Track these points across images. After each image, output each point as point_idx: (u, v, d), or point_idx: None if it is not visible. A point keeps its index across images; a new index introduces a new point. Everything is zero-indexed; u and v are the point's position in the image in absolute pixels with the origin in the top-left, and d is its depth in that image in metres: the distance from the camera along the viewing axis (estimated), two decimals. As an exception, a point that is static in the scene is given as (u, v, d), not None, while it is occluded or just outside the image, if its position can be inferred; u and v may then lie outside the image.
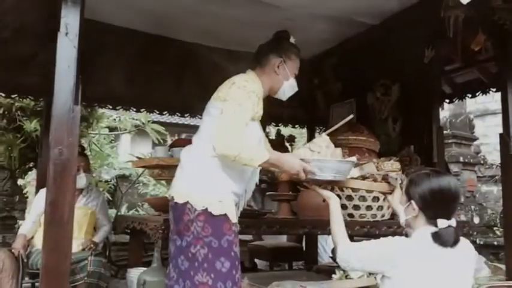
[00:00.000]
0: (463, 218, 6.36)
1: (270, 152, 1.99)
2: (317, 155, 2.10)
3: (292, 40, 2.26)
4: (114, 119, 8.04)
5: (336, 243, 1.92)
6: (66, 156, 1.66)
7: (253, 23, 3.66)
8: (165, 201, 2.65)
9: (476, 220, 6.72)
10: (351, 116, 2.40)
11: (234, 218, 1.99)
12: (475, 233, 6.39)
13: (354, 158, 2.39)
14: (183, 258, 1.95)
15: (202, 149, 2.00)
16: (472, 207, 6.90)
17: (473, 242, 6.38)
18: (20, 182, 5.88)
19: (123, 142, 12.12)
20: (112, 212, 7.34)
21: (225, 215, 1.95)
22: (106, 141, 7.90)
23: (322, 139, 2.21)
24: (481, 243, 6.23)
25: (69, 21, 1.72)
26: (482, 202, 7.10)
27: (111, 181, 8.15)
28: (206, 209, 1.92)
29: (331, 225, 1.97)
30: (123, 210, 7.89)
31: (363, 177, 2.62)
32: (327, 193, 2.05)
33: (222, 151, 1.89)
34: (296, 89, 2.27)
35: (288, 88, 2.23)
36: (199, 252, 1.91)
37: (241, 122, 1.94)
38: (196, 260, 1.91)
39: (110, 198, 8.40)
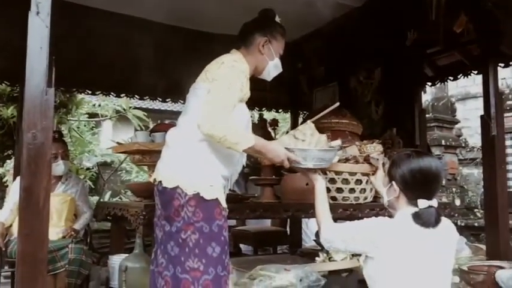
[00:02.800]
0: (444, 200, 6.45)
1: (256, 138, 1.93)
2: (301, 143, 2.06)
3: (277, 19, 2.21)
4: (94, 105, 7.90)
5: (320, 223, 1.92)
6: (40, 140, 1.60)
7: (232, 5, 3.59)
8: (146, 187, 2.62)
9: (457, 202, 6.83)
10: (337, 104, 2.37)
11: (224, 202, 1.96)
12: (456, 215, 6.49)
13: (338, 142, 2.36)
14: (173, 244, 1.89)
15: (190, 131, 1.93)
16: (454, 189, 7.01)
17: (455, 224, 6.43)
18: None
19: (105, 129, 11.93)
20: (95, 199, 7.27)
21: (216, 199, 1.91)
22: (87, 128, 7.77)
23: (307, 126, 2.15)
24: (462, 224, 6.33)
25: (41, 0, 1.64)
26: (463, 185, 7.21)
27: (93, 168, 8.04)
28: (198, 194, 1.87)
29: (316, 206, 1.97)
30: (107, 198, 7.80)
31: (346, 159, 2.61)
32: (312, 175, 2.03)
33: (208, 130, 1.83)
34: (280, 69, 2.22)
35: (272, 68, 2.18)
36: (190, 238, 1.86)
37: (229, 103, 1.89)
38: (187, 245, 1.86)
39: (92, 186, 8.30)
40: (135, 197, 2.95)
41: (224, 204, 1.95)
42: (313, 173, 2.03)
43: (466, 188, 7.15)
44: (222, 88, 1.89)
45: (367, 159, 2.37)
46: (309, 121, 2.16)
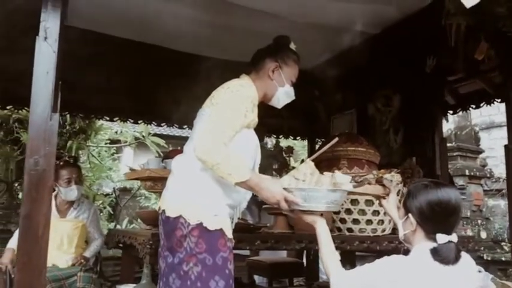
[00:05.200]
0: (469, 233, 6.21)
1: (253, 173, 1.82)
2: (301, 183, 1.88)
3: (292, 46, 2.15)
4: (116, 132, 8.00)
5: (328, 273, 1.75)
6: (42, 167, 1.57)
7: (251, 33, 3.59)
8: (156, 215, 2.56)
9: (483, 235, 6.57)
10: (336, 139, 2.24)
11: (229, 233, 1.88)
12: (482, 249, 6.23)
13: (348, 186, 2.19)
14: (175, 276, 1.82)
15: (195, 159, 1.85)
16: (479, 221, 6.75)
17: (481, 258, 6.23)
18: (21, 195, 5.83)
19: (126, 155, 12.06)
20: (112, 225, 7.26)
21: (221, 230, 1.83)
22: (107, 153, 7.85)
23: (307, 165, 1.99)
24: (489, 258, 6.07)
25: (49, 25, 1.65)
26: (489, 216, 6.95)
27: (112, 194, 8.07)
28: (201, 224, 1.80)
29: (321, 253, 1.80)
30: (124, 224, 7.79)
31: (356, 182, 2.47)
32: (310, 218, 1.85)
33: (202, 155, 1.76)
34: (293, 97, 2.15)
35: (282, 95, 2.10)
36: (192, 270, 1.78)
37: (229, 128, 1.82)
38: (188, 278, 1.78)
39: (111, 212, 8.33)
40: (145, 225, 2.90)
41: (229, 235, 1.86)
42: (310, 214, 1.84)
43: (492, 220, 6.88)
44: (222, 113, 1.84)
45: (379, 181, 2.22)
46: (308, 160, 2.01)
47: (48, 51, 1.64)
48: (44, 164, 1.58)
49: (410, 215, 1.67)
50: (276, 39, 2.17)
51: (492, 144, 9.05)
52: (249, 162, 1.95)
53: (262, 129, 3.79)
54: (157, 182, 2.86)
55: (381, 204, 2.21)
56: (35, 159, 1.57)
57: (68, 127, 5.40)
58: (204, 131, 1.80)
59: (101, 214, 7.93)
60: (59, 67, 1.66)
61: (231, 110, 1.85)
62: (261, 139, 4.00)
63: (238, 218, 2.16)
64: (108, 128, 7.32)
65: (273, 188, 1.78)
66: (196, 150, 1.78)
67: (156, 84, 4.19)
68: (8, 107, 4.24)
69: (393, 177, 2.86)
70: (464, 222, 6.53)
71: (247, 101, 1.91)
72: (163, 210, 1.88)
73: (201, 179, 1.85)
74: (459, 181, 6.59)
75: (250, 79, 2.05)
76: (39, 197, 1.57)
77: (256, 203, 3.29)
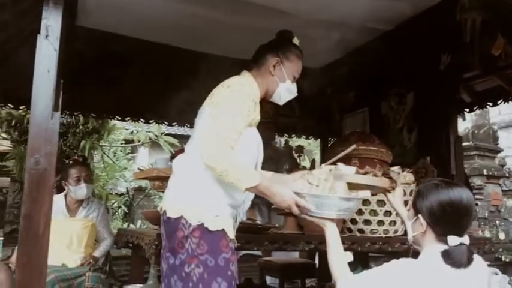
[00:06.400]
0: (487, 234, 6.07)
1: (263, 177, 1.78)
2: (315, 189, 1.83)
3: (295, 41, 2.08)
4: (132, 132, 8.05)
5: (336, 277, 1.69)
6: (43, 166, 1.56)
7: (261, 32, 3.54)
8: (160, 215, 2.54)
9: (501, 236, 6.42)
10: (354, 147, 2.18)
11: (231, 233, 1.84)
12: (500, 250, 6.08)
13: (367, 193, 2.12)
14: (176, 278, 1.78)
15: (196, 158, 1.82)
16: (497, 222, 6.60)
17: (499, 259, 6.09)
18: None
19: (141, 155, 12.14)
20: (126, 225, 7.29)
21: (223, 230, 1.79)
22: (123, 153, 7.90)
23: (322, 171, 1.93)
24: (507, 260, 5.92)
25: (50, 23, 1.63)
26: (508, 217, 6.78)
27: (127, 194, 8.11)
28: (202, 224, 1.76)
29: (329, 256, 1.75)
30: (138, 224, 7.83)
31: (364, 172, 2.39)
32: (319, 220, 1.79)
33: (209, 162, 1.72)
34: (295, 93, 2.09)
35: (284, 91, 2.04)
36: (194, 272, 1.75)
37: (233, 131, 1.77)
38: (190, 280, 1.74)
39: (126, 211, 8.38)
40: (153, 225, 2.88)
41: (232, 236, 1.82)
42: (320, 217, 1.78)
43: (511, 220, 6.72)
44: (225, 115, 1.78)
45: (386, 173, 2.14)
46: (323, 165, 1.95)
47: (49, 50, 1.62)
48: (45, 163, 1.57)
49: (420, 215, 1.61)
50: (278, 34, 2.12)
51: (511, 143, 8.85)
52: (251, 161, 1.91)
53: (272, 128, 3.78)
54: (165, 181, 2.81)
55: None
56: (35, 158, 1.56)
57: (81, 127, 5.43)
58: (208, 136, 1.75)
59: (116, 214, 8.00)
60: (60, 65, 1.64)
61: (233, 111, 1.79)
62: (271, 138, 3.96)
63: (247, 218, 2.12)
64: (123, 128, 7.37)
65: (284, 193, 1.74)
66: (203, 157, 1.74)
67: (166, 83, 4.17)
68: (21, 107, 4.27)
69: (405, 178, 2.80)
70: (482, 223, 6.38)
71: (249, 99, 1.86)
72: (165, 211, 1.85)
73: (202, 179, 1.81)
74: (477, 181, 6.45)
75: (251, 76, 2.00)
76: (40, 197, 1.55)
77: (266, 203, 3.24)
